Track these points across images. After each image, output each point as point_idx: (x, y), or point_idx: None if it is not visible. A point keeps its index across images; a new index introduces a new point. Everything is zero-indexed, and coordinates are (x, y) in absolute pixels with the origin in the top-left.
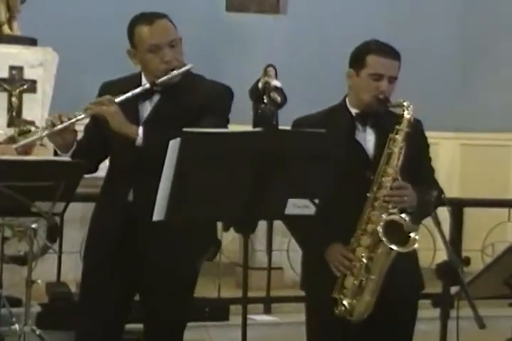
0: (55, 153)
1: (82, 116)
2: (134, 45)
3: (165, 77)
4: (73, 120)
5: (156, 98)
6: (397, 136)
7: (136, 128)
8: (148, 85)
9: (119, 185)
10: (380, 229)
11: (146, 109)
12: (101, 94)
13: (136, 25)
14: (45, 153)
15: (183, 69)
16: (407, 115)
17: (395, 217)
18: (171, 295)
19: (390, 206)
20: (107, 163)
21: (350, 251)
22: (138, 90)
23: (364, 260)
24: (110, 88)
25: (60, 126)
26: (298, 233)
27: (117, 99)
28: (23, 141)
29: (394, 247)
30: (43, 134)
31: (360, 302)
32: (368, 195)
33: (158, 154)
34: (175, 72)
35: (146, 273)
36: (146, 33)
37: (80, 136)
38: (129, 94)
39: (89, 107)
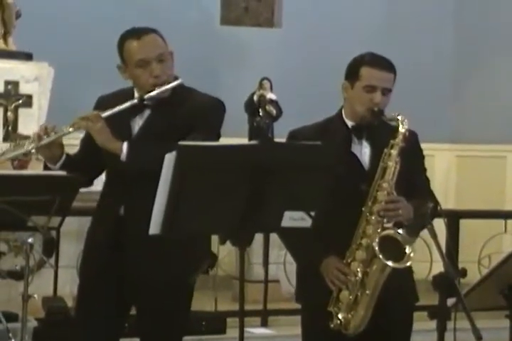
0: (45, 165)
1: (69, 130)
2: (123, 60)
3: (153, 92)
4: (59, 134)
5: (146, 113)
6: (392, 151)
7: (121, 144)
8: (136, 100)
9: (112, 200)
10: (375, 245)
11: (137, 124)
12: (96, 107)
13: (125, 40)
14: (41, 167)
15: (172, 84)
16: (402, 129)
17: (390, 232)
18: (166, 310)
19: (385, 220)
20: (103, 177)
21: (345, 265)
22: (126, 105)
23: (359, 275)
24: (105, 102)
25: (46, 141)
26: (292, 246)
27: (104, 114)
28: (9, 154)
29: (390, 264)
30: (29, 148)
31: (355, 317)
32: (363, 209)
33: (141, 170)
34: (164, 87)
35: (139, 287)
36: (134, 48)
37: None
38: (116, 109)
39: (76, 122)
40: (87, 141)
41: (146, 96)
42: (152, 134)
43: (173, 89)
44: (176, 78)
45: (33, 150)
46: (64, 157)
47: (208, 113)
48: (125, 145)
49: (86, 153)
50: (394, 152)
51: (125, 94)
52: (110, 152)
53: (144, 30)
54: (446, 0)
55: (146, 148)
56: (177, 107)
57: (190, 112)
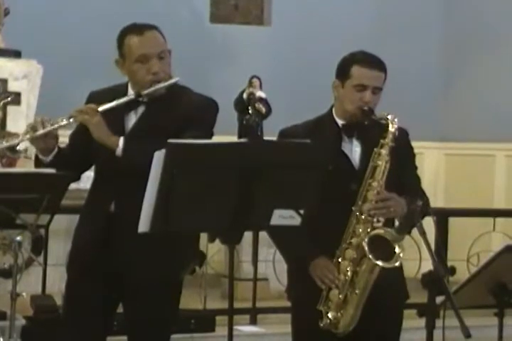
0: (36, 157)
1: (65, 122)
2: (122, 55)
3: (151, 89)
4: (55, 126)
5: (141, 109)
6: (382, 150)
7: (117, 139)
8: (133, 96)
9: (102, 196)
10: (365, 244)
11: (131, 119)
12: (88, 103)
13: (126, 35)
14: (29, 165)
15: (169, 82)
16: (391, 129)
17: (380, 231)
18: (153, 306)
19: (374, 219)
20: (91, 174)
21: (334, 264)
22: (123, 100)
23: (349, 274)
24: (97, 97)
25: (41, 131)
26: (282, 245)
27: (101, 108)
28: (3, 145)
29: (380, 263)
30: (25, 138)
31: (345, 316)
32: (353, 208)
33: (137, 165)
34: (161, 85)
35: (127, 284)
36: (135, 43)
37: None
38: (113, 103)
39: (73, 115)
40: (77, 136)
41: (144, 92)
42: (145, 130)
43: (169, 87)
44: (170, 76)
45: (28, 141)
46: (56, 149)
47: (202, 113)
48: (121, 141)
49: (75, 147)
50: (384, 151)
51: (118, 91)
52: (103, 147)
53: (146, 26)
54: (435, 3)
55: (141, 144)
56: (171, 105)
57: (185, 111)
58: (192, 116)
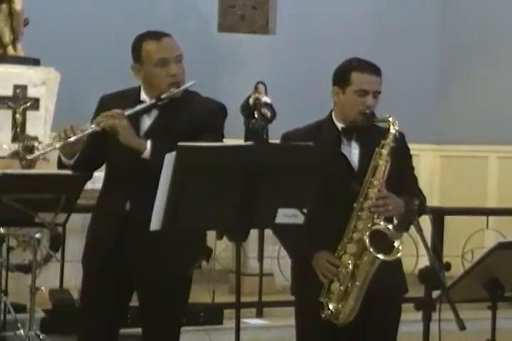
0: (59, 159)
1: (94, 128)
2: (139, 61)
3: (171, 93)
4: (86, 132)
5: (154, 112)
6: (382, 150)
7: (145, 142)
8: (154, 100)
9: (117, 195)
10: (366, 238)
11: (145, 122)
12: (100, 106)
13: (143, 41)
14: (47, 166)
15: (187, 85)
16: (392, 130)
17: (380, 227)
18: (166, 302)
19: (375, 216)
20: (101, 174)
21: (336, 257)
22: (145, 105)
23: (350, 267)
24: (109, 101)
25: (73, 138)
26: (286, 241)
27: (127, 113)
28: (39, 152)
29: (380, 256)
30: (58, 145)
31: (345, 307)
32: (354, 205)
33: (161, 167)
34: (180, 88)
35: (139, 282)
36: (154, 48)
37: None
38: (137, 108)
39: (101, 120)
40: (94, 136)
41: (164, 96)
42: (160, 133)
43: (183, 92)
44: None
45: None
46: (78, 153)
47: (212, 117)
48: (149, 143)
49: (91, 147)
50: (385, 151)
51: (129, 95)
52: (119, 148)
53: (162, 32)
54: (432, 8)
55: (165, 146)
56: (184, 109)
57: (197, 115)
58: (205, 121)
